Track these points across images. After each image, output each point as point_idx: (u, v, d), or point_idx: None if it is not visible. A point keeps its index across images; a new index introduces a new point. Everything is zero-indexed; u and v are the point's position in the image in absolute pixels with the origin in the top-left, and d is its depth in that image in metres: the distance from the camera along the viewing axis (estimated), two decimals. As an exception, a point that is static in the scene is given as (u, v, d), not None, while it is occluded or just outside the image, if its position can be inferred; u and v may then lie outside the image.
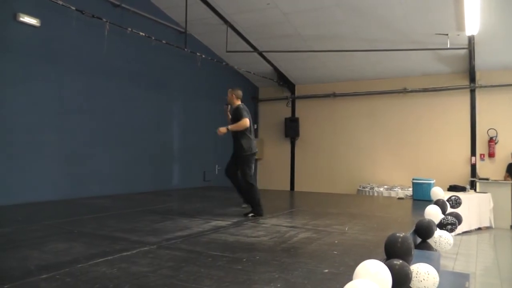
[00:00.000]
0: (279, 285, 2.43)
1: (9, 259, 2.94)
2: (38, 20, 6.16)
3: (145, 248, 3.32)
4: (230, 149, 5.38)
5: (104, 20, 6.53)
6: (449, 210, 5.68)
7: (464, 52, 8.77)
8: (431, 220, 4.41)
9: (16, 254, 3.08)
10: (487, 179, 9.25)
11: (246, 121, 5.10)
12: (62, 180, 6.58)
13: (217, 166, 9.93)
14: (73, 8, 6.11)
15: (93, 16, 6.39)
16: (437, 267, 3.28)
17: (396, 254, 2.74)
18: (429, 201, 6.17)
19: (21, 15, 5.94)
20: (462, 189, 8.73)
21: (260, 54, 10.09)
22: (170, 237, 3.81)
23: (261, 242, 3.68)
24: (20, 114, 5.99)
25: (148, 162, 8.28)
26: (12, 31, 5.91)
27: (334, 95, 11.22)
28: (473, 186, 9.29)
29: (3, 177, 5.72)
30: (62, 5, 5.94)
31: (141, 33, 7.21)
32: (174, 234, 3.93)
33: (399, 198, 7.97)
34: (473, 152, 9.56)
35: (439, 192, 6.35)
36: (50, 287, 2.35)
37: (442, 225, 4.87)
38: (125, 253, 3.13)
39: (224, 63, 10.06)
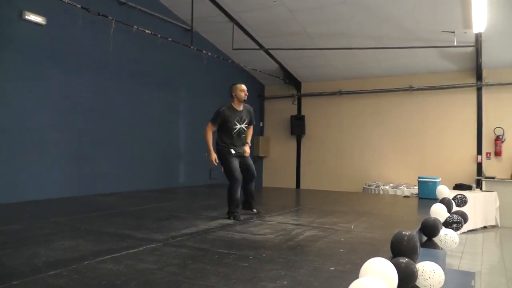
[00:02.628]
0: (285, 283, 2.44)
1: (18, 256, 2.97)
2: (44, 18, 6.18)
3: (152, 246, 3.33)
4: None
5: (110, 18, 6.55)
6: (455, 208, 5.65)
7: (471, 49, 8.71)
8: (437, 218, 4.40)
9: (24, 251, 3.10)
10: (493, 177, 9.19)
11: None
12: (69, 178, 6.62)
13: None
14: (79, 6, 6.12)
15: (98, 14, 6.40)
16: (442, 266, 3.28)
17: (402, 252, 2.73)
18: (434, 200, 6.13)
19: (27, 13, 5.96)
20: (468, 187, 8.70)
21: (266, 52, 10.06)
22: (177, 234, 3.82)
23: (267, 240, 3.69)
24: (27, 112, 6.02)
25: (154, 160, 8.31)
26: (18, 29, 5.94)
27: (340, 93, 11.18)
28: (479, 184, 9.23)
29: (10, 175, 5.77)
30: (68, 3, 5.97)
31: (147, 31, 7.23)
32: (181, 232, 3.95)
33: (405, 196, 7.95)
34: (479, 151, 9.48)
35: (444, 191, 6.31)
36: (57, 284, 2.37)
37: (447, 224, 4.85)
38: (131, 251, 3.15)
39: (230, 61, 10.04)
